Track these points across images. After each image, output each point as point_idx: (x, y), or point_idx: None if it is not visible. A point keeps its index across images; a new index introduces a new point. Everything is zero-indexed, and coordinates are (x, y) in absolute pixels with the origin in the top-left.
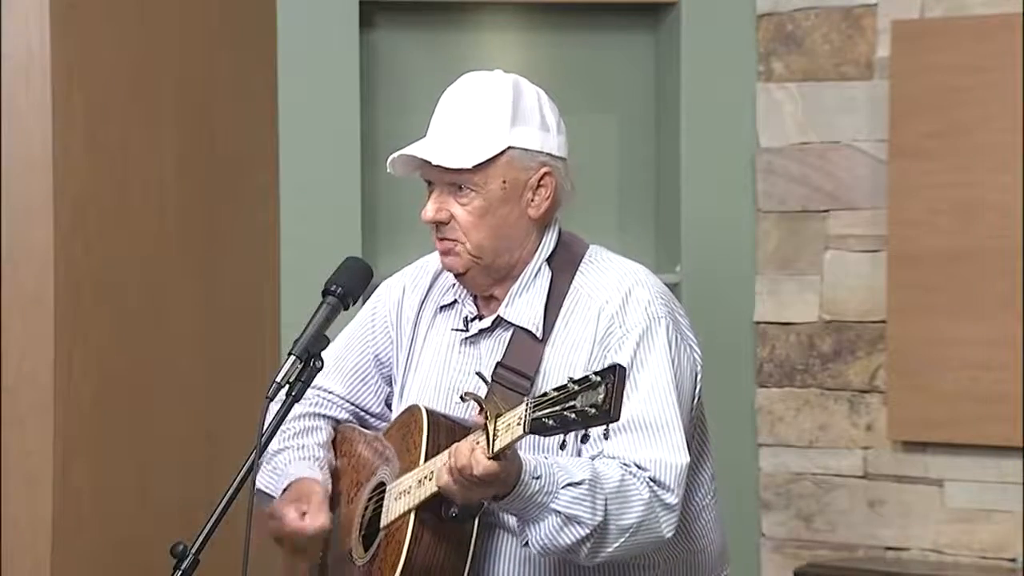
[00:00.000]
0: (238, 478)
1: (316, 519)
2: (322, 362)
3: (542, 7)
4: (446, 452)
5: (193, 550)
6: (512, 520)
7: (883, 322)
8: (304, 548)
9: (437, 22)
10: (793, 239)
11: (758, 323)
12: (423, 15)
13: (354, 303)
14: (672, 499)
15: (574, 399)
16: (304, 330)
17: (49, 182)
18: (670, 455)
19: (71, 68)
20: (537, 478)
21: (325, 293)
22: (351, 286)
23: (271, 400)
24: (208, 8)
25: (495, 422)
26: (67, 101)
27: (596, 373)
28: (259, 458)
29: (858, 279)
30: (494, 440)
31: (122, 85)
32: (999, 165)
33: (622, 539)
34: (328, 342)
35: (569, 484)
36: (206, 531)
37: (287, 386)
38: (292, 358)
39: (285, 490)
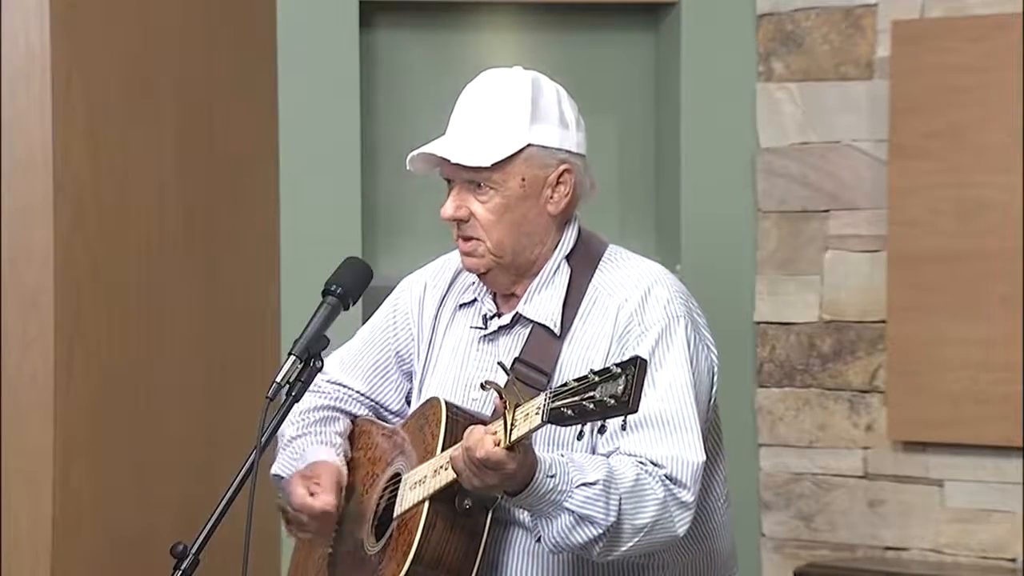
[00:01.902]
0: (238, 478)
1: (322, 497)
2: (322, 362)
3: (542, 7)
4: (460, 445)
5: (193, 550)
6: (525, 515)
7: (883, 322)
8: (307, 526)
9: (437, 22)
10: (793, 239)
11: (758, 323)
12: (423, 15)
13: (354, 303)
14: (688, 497)
15: (594, 390)
16: (304, 330)
17: (49, 182)
18: (686, 452)
19: (71, 68)
20: (552, 476)
21: (325, 293)
22: (351, 286)
23: (271, 400)
24: (208, 8)
25: (513, 412)
26: (67, 101)
27: (617, 364)
28: (259, 458)
29: (858, 279)
30: (511, 429)
31: (122, 85)
32: (999, 165)
33: (636, 538)
34: (328, 342)
35: (583, 484)
36: (206, 531)
37: (287, 386)
38: (292, 358)
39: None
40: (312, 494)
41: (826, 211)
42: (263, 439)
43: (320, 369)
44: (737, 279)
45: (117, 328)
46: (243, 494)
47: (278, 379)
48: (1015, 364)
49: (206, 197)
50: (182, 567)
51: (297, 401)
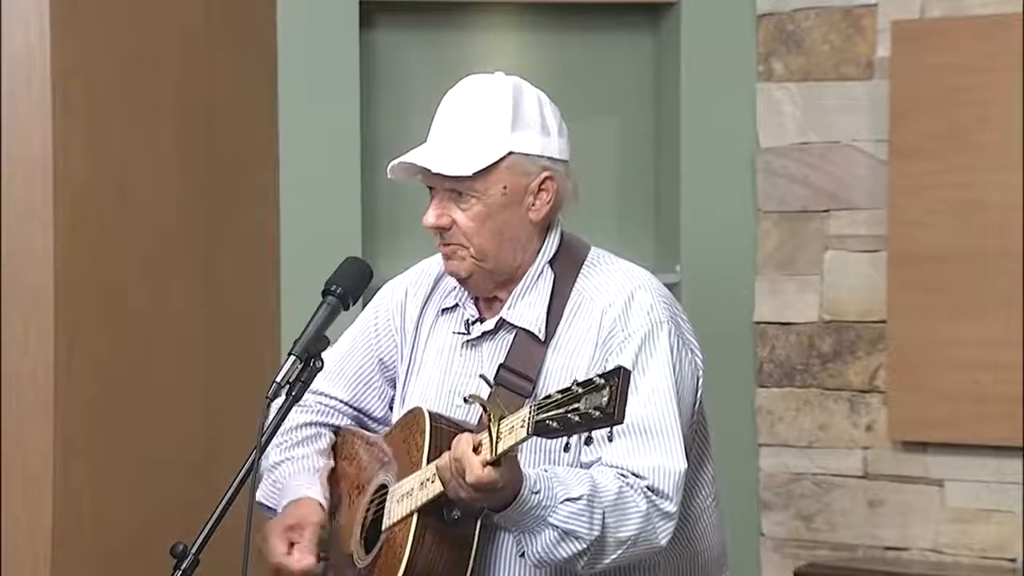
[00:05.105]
0: (238, 478)
1: (304, 558)
2: (322, 362)
3: (542, 7)
4: (447, 455)
5: (193, 550)
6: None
7: (883, 322)
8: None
9: (437, 22)
10: (793, 239)
11: (758, 323)
12: (423, 15)
13: (354, 303)
14: (670, 507)
15: (578, 401)
16: (304, 330)
17: (49, 182)
18: (668, 462)
19: (71, 68)
20: (536, 492)
21: (325, 293)
22: (351, 286)
23: (271, 400)
24: (208, 8)
25: (498, 425)
26: (67, 101)
27: (600, 376)
28: (259, 458)
29: (858, 279)
30: (497, 442)
31: (122, 85)
32: (999, 165)
33: (619, 551)
34: (328, 342)
35: (567, 499)
36: (206, 531)
37: (287, 386)
38: (292, 358)
39: (285, 507)
40: (292, 546)
41: (826, 211)
42: (263, 439)
43: (320, 369)
44: (737, 279)
45: (117, 328)
46: (243, 494)
47: (278, 379)
48: (1015, 364)
49: (206, 197)
50: (182, 567)
51: (297, 401)
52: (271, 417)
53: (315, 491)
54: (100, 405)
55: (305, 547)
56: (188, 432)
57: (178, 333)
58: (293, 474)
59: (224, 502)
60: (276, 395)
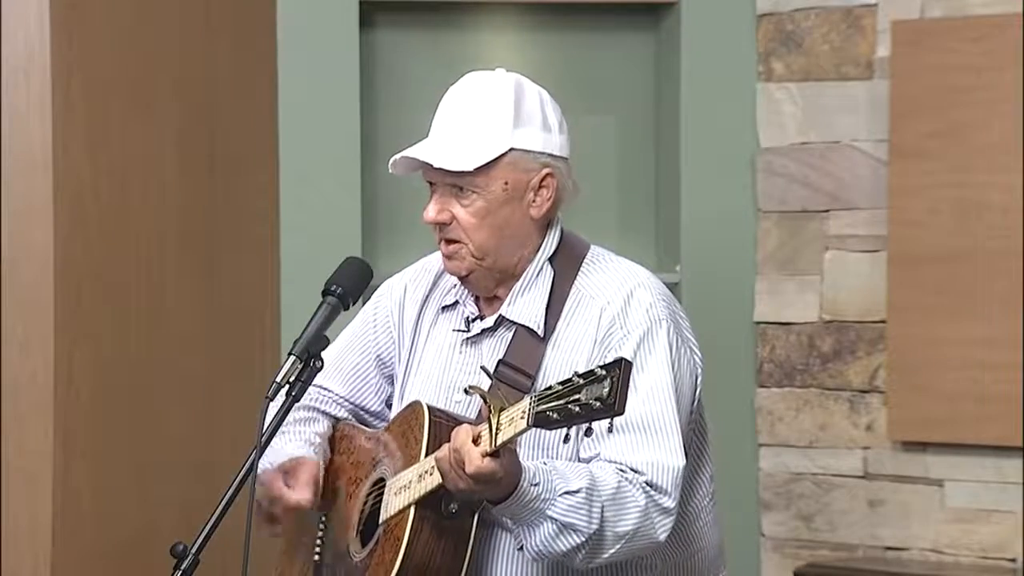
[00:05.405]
0: (238, 478)
1: (300, 492)
2: (322, 362)
3: (542, 7)
4: (446, 446)
5: (193, 550)
6: (508, 521)
7: (883, 322)
8: (279, 520)
9: (437, 22)
10: (793, 239)
11: (758, 323)
12: (423, 15)
13: (354, 303)
14: (669, 503)
15: (579, 392)
16: (304, 330)
17: (49, 182)
18: (667, 458)
19: (71, 68)
20: (535, 485)
21: (325, 293)
22: (351, 286)
23: (271, 400)
24: (208, 7)
25: (498, 416)
26: (67, 101)
27: (601, 367)
28: (259, 458)
29: (858, 279)
30: (496, 433)
31: (122, 85)
32: (999, 165)
33: (618, 545)
34: (328, 342)
35: (566, 492)
36: (206, 531)
37: (287, 386)
38: (292, 358)
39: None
40: (288, 487)
41: (826, 211)
42: (263, 439)
43: (320, 369)
44: (737, 279)
45: (117, 328)
46: (243, 494)
47: (278, 379)
48: (1015, 364)
49: (206, 197)
50: (182, 567)
51: (297, 401)
52: (271, 417)
53: (310, 455)
54: (100, 405)
55: (302, 484)
56: (188, 432)
57: (178, 333)
58: (288, 443)
59: (224, 502)
60: (276, 395)
